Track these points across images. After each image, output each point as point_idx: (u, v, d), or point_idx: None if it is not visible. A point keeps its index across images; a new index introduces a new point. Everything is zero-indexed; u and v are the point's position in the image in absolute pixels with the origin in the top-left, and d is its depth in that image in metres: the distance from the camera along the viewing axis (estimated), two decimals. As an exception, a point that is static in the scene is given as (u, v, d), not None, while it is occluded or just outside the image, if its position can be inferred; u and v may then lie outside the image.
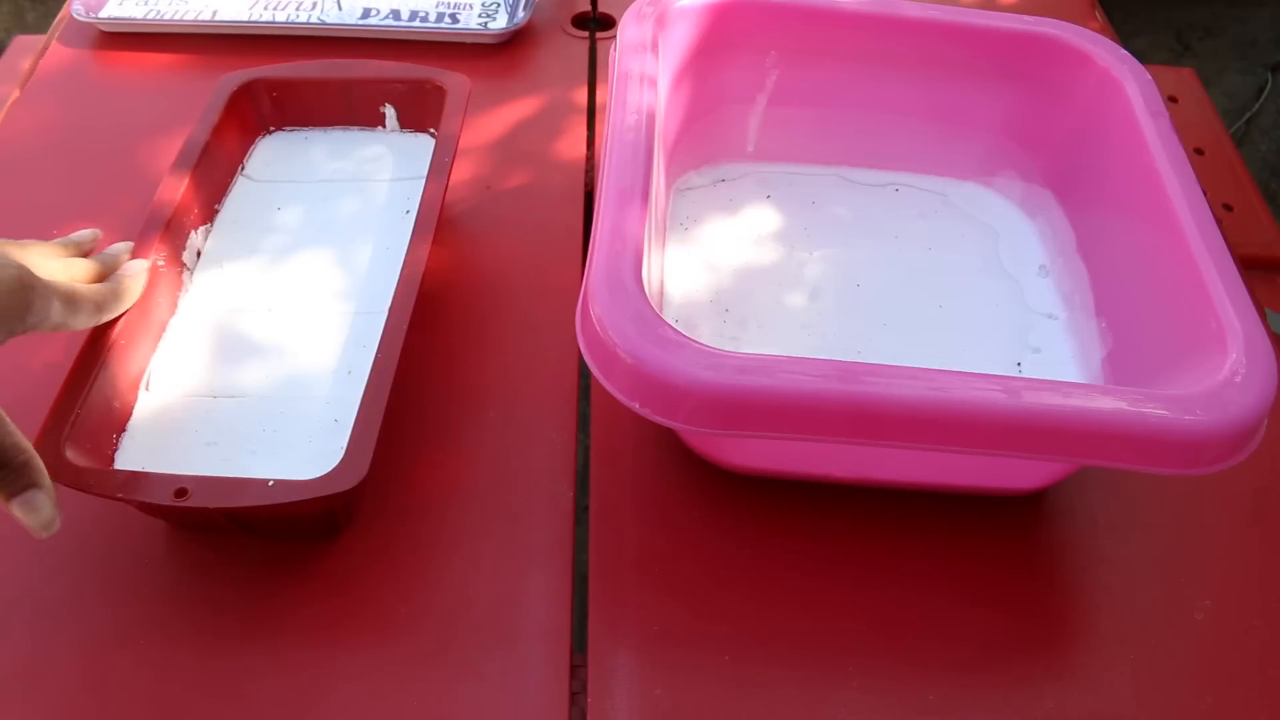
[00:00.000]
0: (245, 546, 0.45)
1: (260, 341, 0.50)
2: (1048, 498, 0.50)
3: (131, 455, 0.45)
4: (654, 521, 0.47)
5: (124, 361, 0.46)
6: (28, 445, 0.38)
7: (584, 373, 0.50)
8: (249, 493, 0.40)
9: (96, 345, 0.45)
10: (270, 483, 0.40)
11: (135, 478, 0.41)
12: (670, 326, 0.39)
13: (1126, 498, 0.50)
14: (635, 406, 0.39)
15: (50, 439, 0.41)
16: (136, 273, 0.47)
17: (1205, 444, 0.39)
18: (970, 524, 0.48)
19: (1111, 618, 0.46)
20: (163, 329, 0.50)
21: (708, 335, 0.53)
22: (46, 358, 0.51)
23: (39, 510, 0.38)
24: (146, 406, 0.47)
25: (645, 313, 0.39)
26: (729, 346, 0.51)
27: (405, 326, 0.46)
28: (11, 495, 0.37)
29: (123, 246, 0.49)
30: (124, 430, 0.46)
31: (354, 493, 0.40)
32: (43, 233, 0.58)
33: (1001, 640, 0.45)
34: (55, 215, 0.60)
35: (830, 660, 0.43)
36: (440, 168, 0.54)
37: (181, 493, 0.40)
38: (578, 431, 0.51)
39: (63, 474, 0.40)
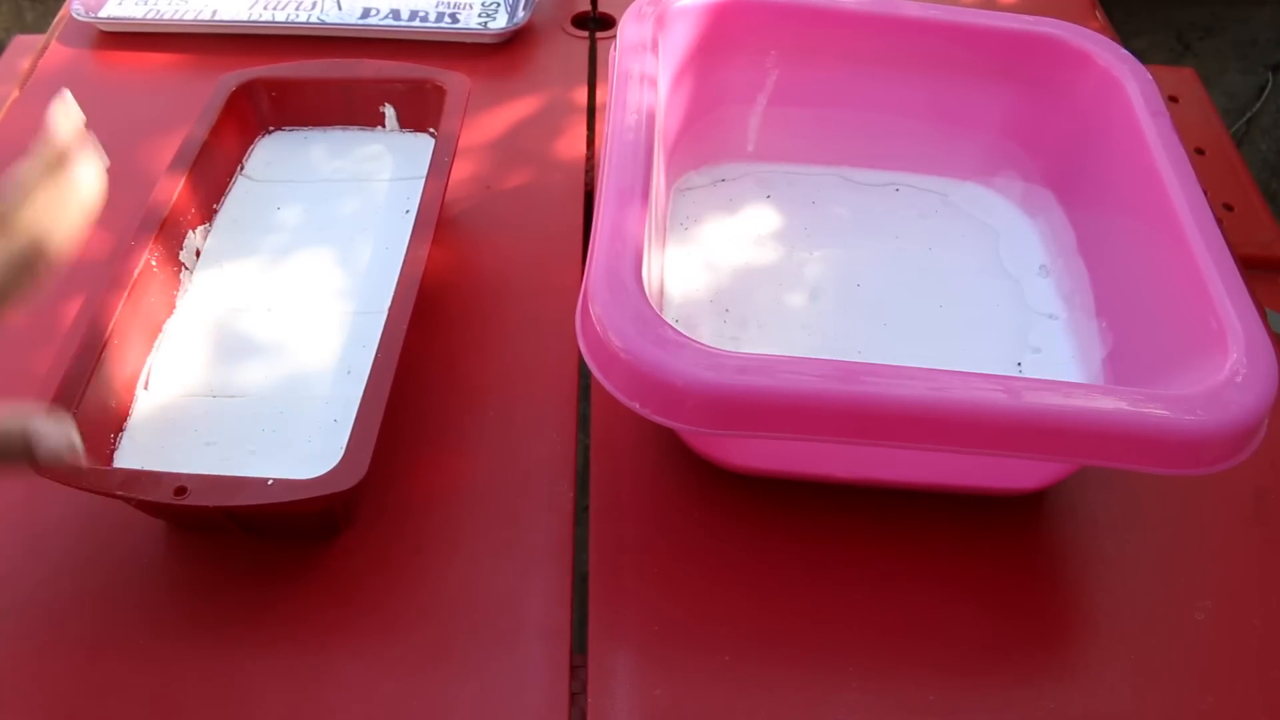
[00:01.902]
0: (244, 547, 0.45)
1: (260, 341, 0.50)
2: (1048, 498, 0.50)
3: (130, 455, 0.45)
4: (654, 521, 0.47)
5: (121, 361, 0.46)
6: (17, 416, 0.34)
7: (584, 373, 0.50)
8: (248, 492, 0.40)
9: (93, 344, 0.45)
10: (269, 482, 0.40)
11: (135, 476, 0.41)
12: (670, 326, 0.39)
13: (1126, 498, 0.50)
14: (635, 406, 0.39)
15: None
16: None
17: (1206, 444, 0.39)
18: (970, 524, 0.48)
19: (1111, 618, 0.46)
20: (161, 329, 0.50)
21: (708, 335, 0.53)
22: (46, 357, 0.51)
23: (48, 437, 0.34)
24: (145, 406, 0.47)
25: (645, 313, 0.39)
26: (729, 346, 0.51)
27: (405, 326, 0.46)
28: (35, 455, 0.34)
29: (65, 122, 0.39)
30: (123, 430, 0.45)
31: (353, 492, 0.40)
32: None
33: (1002, 640, 0.45)
34: (55, 215, 0.59)
35: (830, 660, 0.43)
36: (440, 167, 0.54)
37: (181, 491, 0.40)
38: (578, 431, 0.51)
39: (62, 472, 0.40)
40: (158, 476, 0.41)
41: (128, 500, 0.41)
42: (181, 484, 0.40)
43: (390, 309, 0.47)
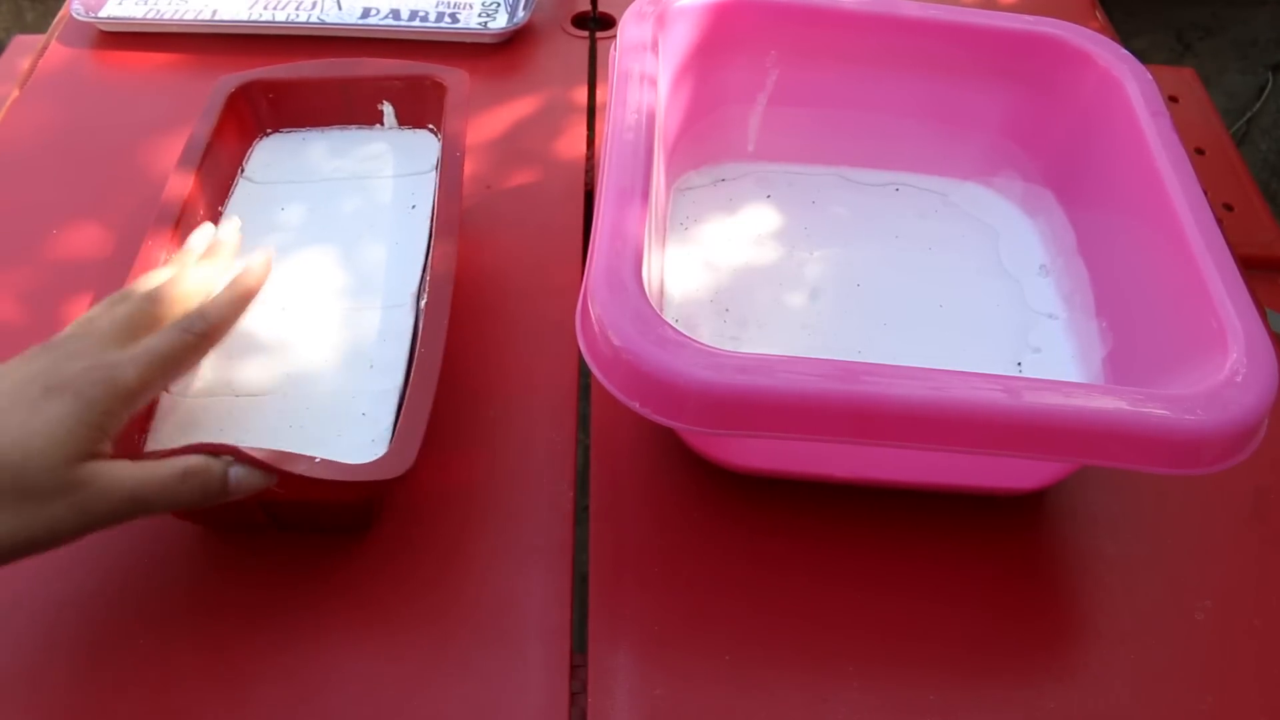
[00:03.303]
0: (246, 548, 0.45)
1: (277, 340, 0.50)
2: (1048, 498, 0.50)
3: None
4: (654, 521, 0.47)
5: None
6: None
7: (584, 373, 0.50)
8: (297, 463, 0.40)
9: None
10: (316, 459, 0.40)
11: (190, 448, 0.40)
12: (670, 326, 0.39)
13: (1126, 498, 0.50)
14: (635, 406, 0.39)
15: None
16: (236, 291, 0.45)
17: (1206, 444, 0.39)
18: (970, 524, 0.48)
19: (1111, 618, 0.46)
20: None
21: (708, 335, 0.53)
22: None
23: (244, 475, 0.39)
24: (169, 408, 0.46)
25: (645, 313, 0.39)
26: (729, 346, 0.51)
27: (446, 318, 0.46)
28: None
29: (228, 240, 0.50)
30: (148, 431, 0.45)
31: (396, 482, 0.40)
32: (42, 233, 0.58)
33: (1002, 640, 0.45)
34: (55, 215, 0.60)
35: (830, 660, 0.43)
36: (454, 161, 0.54)
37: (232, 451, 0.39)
38: (578, 431, 0.51)
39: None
40: (212, 446, 0.40)
41: None
42: (232, 447, 0.39)
43: (427, 304, 0.47)
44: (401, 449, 0.41)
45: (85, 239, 0.58)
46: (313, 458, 0.40)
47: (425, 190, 0.56)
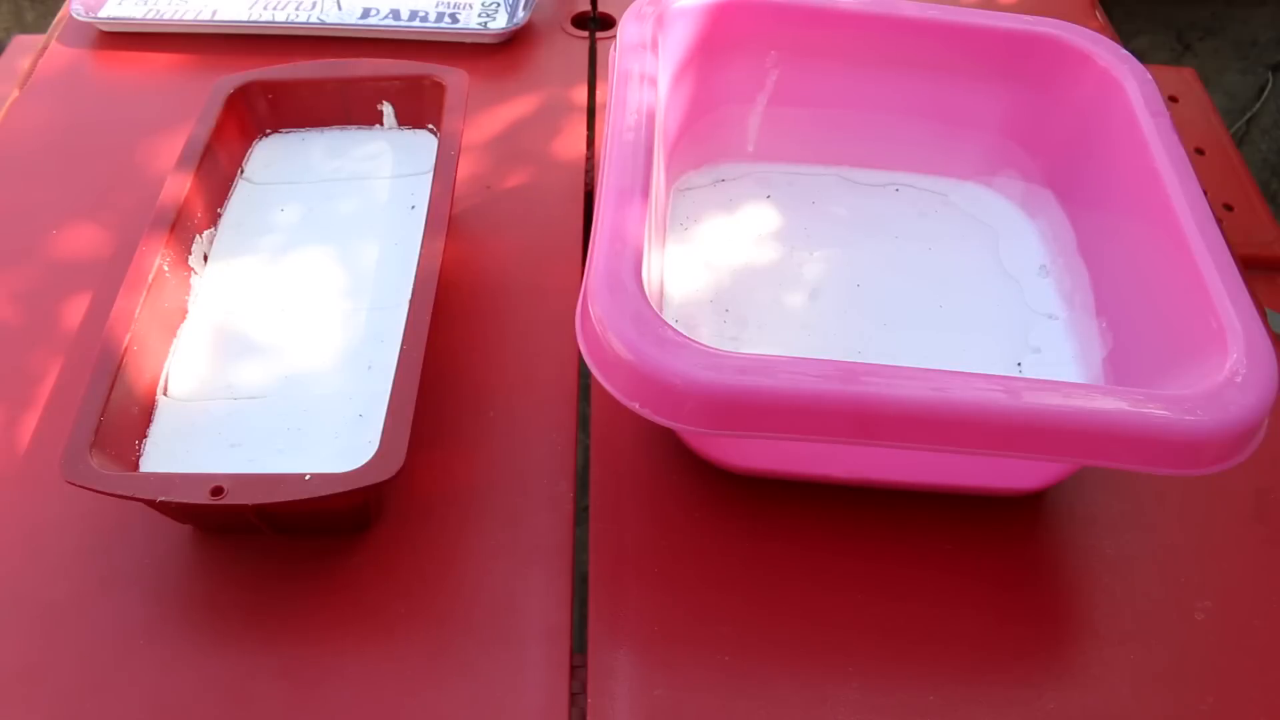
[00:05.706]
0: (247, 549, 0.45)
1: (276, 342, 0.50)
2: (1048, 498, 0.50)
3: (156, 460, 0.44)
4: (654, 521, 0.47)
5: (141, 366, 0.46)
6: None
7: (584, 373, 0.50)
8: (286, 488, 0.40)
9: (111, 350, 0.44)
10: (307, 477, 0.40)
11: (170, 480, 0.41)
12: (670, 326, 0.39)
13: (1126, 498, 0.50)
14: (635, 406, 0.39)
15: (75, 447, 0.41)
16: None
17: (1206, 444, 0.39)
18: (970, 524, 0.48)
19: (1111, 618, 0.46)
20: (174, 333, 0.50)
21: (708, 335, 0.53)
22: (45, 356, 0.51)
23: None
24: (167, 411, 0.46)
25: (645, 313, 0.39)
26: (729, 346, 0.51)
27: (429, 316, 0.46)
28: None
29: None
30: (146, 436, 0.45)
31: (390, 483, 0.40)
32: (42, 233, 0.58)
33: (1002, 640, 0.45)
34: (54, 215, 0.60)
35: (830, 660, 0.43)
36: (448, 161, 0.54)
37: (218, 491, 0.40)
38: (578, 431, 0.51)
39: (93, 480, 0.40)
40: (193, 479, 0.40)
41: (162, 505, 0.41)
42: (218, 485, 0.40)
43: (411, 301, 0.47)
44: (389, 450, 0.41)
45: (84, 239, 0.58)
46: (302, 475, 0.40)
47: (424, 191, 0.56)
